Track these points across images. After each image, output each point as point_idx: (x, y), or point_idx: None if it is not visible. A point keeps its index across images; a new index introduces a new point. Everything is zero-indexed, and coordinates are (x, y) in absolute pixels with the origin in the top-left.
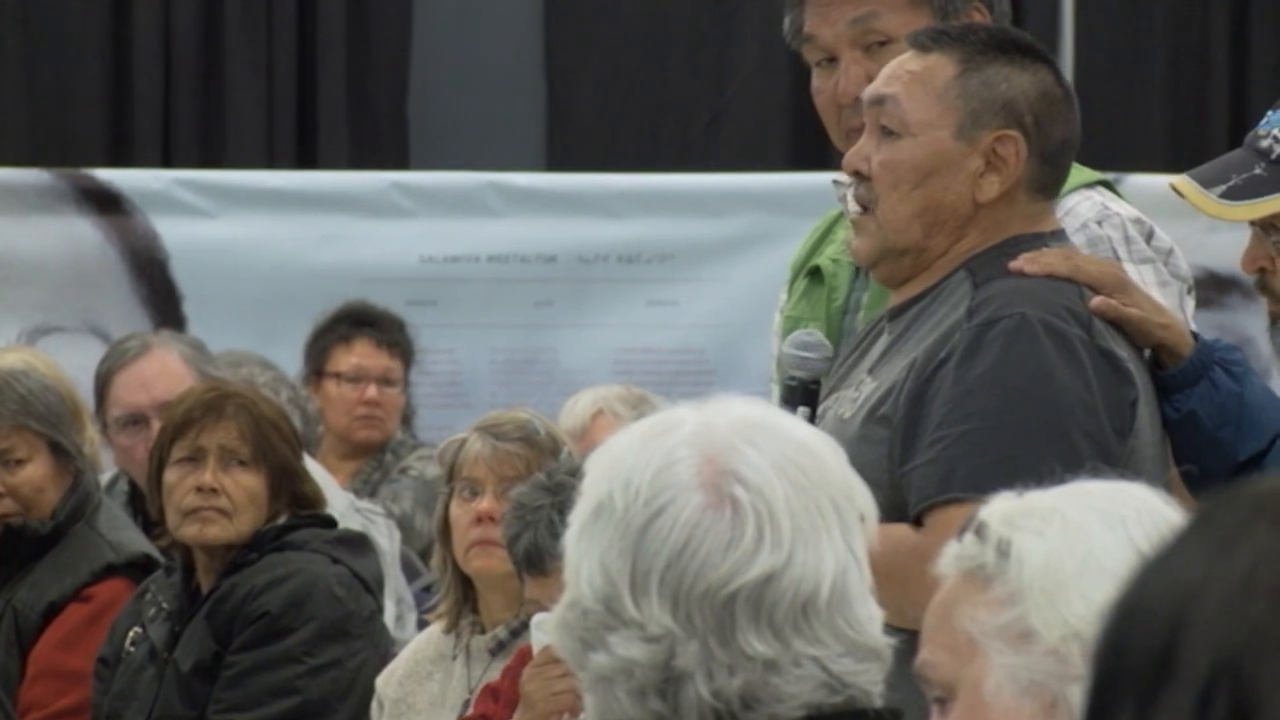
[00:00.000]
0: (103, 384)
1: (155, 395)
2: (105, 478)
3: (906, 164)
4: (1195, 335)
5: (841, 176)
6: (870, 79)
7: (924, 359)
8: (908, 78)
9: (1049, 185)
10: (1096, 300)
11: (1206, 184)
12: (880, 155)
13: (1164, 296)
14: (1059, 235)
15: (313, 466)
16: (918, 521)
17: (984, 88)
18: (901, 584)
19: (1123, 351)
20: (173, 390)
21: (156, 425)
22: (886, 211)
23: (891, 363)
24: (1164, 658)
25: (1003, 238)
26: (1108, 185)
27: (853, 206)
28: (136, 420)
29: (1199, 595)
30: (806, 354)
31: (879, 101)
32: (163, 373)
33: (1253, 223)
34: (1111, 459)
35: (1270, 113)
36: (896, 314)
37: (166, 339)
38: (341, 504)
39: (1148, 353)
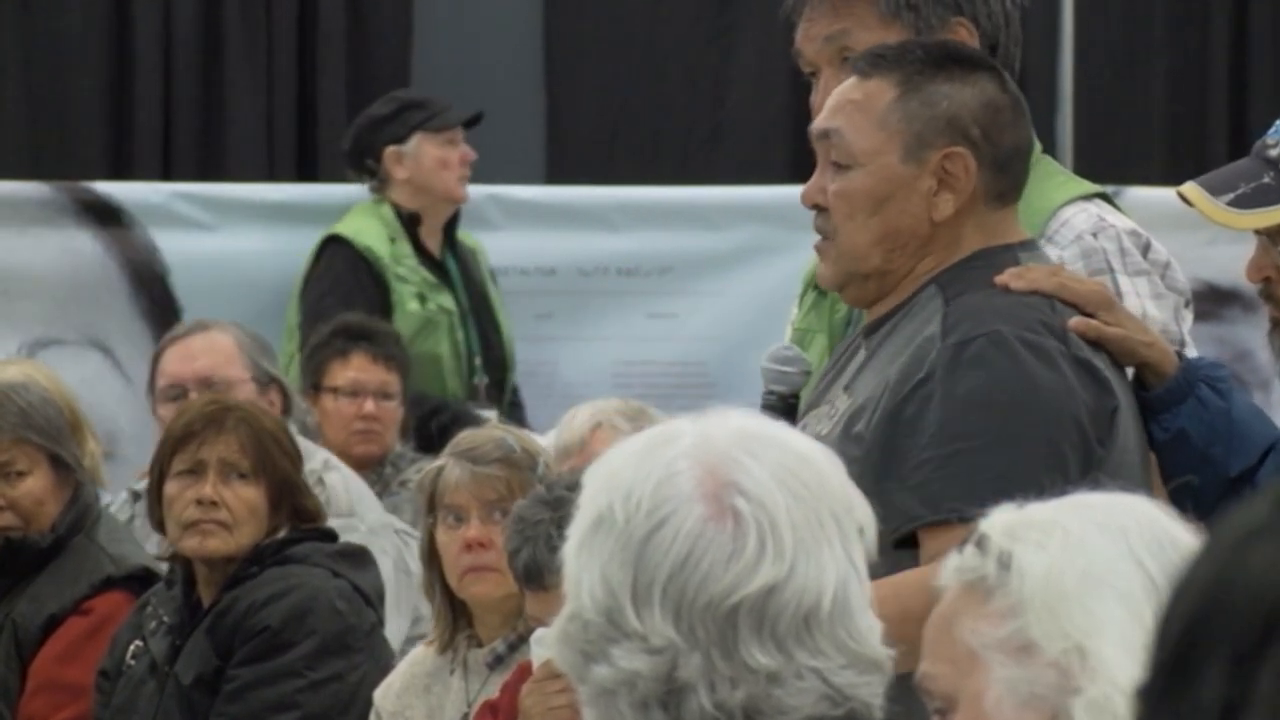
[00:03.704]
0: (155, 361)
1: (197, 369)
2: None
3: (860, 194)
4: (1179, 354)
5: None
6: None
7: (899, 377)
8: (850, 108)
9: (1006, 192)
10: (1076, 320)
11: (1214, 191)
12: (834, 187)
13: (1159, 309)
14: (1027, 245)
15: (352, 480)
16: (907, 542)
17: (925, 107)
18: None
19: (1100, 362)
20: (216, 366)
21: (193, 398)
22: (845, 240)
23: (865, 379)
24: (1273, 618)
25: (968, 251)
26: (1105, 198)
27: (816, 235)
28: (176, 395)
29: None
30: (785, 368)
31: (825, 136)
32: (209, 348)
33: (1258, 231)
34: (1097, 469)
35: (1279, 121)
36: (871, 330)
37: (226, 324)
38: (374, 519)
39: (1131, 372)
